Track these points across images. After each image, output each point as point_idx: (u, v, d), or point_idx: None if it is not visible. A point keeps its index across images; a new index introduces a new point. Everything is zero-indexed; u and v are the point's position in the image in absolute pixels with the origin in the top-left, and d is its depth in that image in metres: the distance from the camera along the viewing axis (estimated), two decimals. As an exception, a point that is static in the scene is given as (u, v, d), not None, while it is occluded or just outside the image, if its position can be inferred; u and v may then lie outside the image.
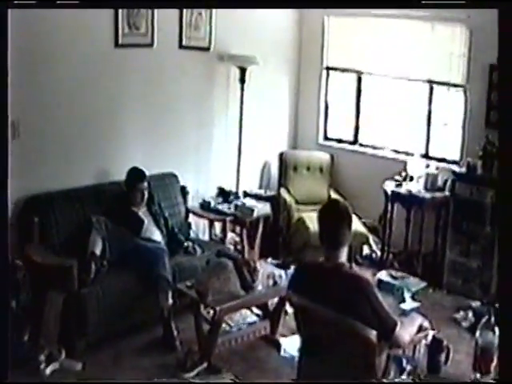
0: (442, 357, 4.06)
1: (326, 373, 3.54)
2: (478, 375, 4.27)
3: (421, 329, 3.80)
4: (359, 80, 7.26)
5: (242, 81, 6.48)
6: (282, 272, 5.14)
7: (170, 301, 4.97)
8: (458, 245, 6.33)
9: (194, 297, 4.75)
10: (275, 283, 5.01)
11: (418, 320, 3.82)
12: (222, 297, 4.68)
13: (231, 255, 5.13)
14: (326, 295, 3.44)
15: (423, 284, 6.33)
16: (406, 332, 3.53)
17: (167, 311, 4.97)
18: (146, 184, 5.41)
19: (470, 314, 5.75)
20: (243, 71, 6.45)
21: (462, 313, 5.83)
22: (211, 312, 4.73)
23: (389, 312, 3.44)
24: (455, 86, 6.58)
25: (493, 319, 4.32)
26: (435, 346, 4.03)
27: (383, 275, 6.45)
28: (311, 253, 6.47)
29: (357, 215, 6.75)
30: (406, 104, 7.03)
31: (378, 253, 6.88)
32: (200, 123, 6.50)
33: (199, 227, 6.48)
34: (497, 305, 5.75)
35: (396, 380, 3.84)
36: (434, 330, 4.01)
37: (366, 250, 6.91)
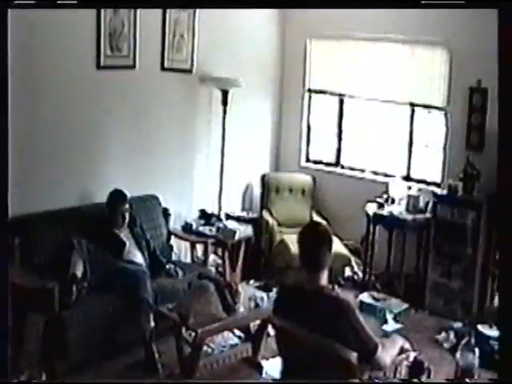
0: (424, 378, 4.05)
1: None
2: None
3: (402, 351, 3.79)
4: (341, 102, 7.31)
5: (225, 103, 6.50)
6: (264, 294, 5.13)
7: (152, 323, 4.93)
8: (439, 266, 6.35)
9: (175, 319, 4.73)
10: (257, 305, 5.00)
11: (399, 342, 3.81)
12: (203, 319, 4.66)
13: (213, 277, 5.12)
14: (307, 318, 3.43)
15: (405, 305, 6.37)
16: (387, 354, 3.52)
17: (149, 334, 4.93)
18: (127, 206, 5.40)
19: (452, 335, 5.76)
20: (225, 94, 6.47)
21: (443, 334, 5.83)
22: (193, 334, 4.71)
23: (370, 334, 3.44)
24: (436, 108, 6.65)
25: (473, 340, 4.32)
26: (416, 368, 4.02)
27: (365, 297, 6.47)
28: (293, 274, 6.45)
29: (338, 237, 6.79)
30: (387, 126, 7.08)
31: (360, 274, 6.89)
32: (182, 145, 6.51)
33: (181, 249, 6.45)
34: (478, 326, 5.82)
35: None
36: (415, 351, 4.00)
37: (347, 272, 6.90)
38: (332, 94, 7.37)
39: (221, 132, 6.60)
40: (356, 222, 6.91)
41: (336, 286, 6.70)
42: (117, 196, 5.39)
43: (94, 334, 4.77)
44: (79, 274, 4.88)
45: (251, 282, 6.54)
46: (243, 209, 7.23)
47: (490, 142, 6.20)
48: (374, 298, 6.41)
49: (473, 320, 6.02)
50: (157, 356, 4.94)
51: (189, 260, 6.39)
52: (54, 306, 4.58)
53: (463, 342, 4.33)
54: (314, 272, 3.51)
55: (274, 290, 6.35)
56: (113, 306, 4.92)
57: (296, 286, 3.68)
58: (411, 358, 3.91)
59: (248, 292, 5.11)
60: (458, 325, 6.01)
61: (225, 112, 6.54)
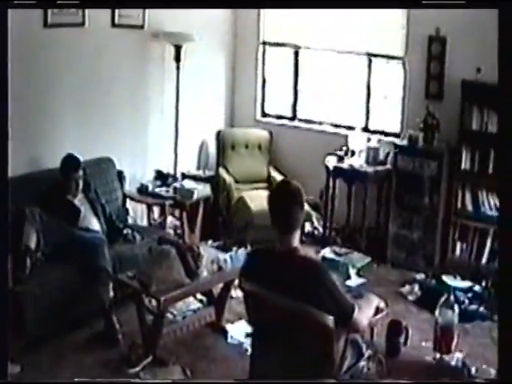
0: (402, 338, 3.91)
1: (281, 361, 3.35)
2: (438, 355, 4.15)
3: (378, 310, 3.65)
4: (296, 54, 7.01)
5: (178, 59, 6.15)
6: (227, 256, 4.90)
7: (111, 293, 4.68)
8: (400, 218, 6.24)
9: (136, 287, 4.46)
10: (220, 268, 4.76)
11: (375, 301, 3.65)
12: (166, 286, 4.39)
13: (173, 241, 4.85)
14: (280, 281, 3.22)
15: (368, 259, 6.25)
16: (363, 316, 3.36)
17: (108, 304, 4.68)
18: (81, 172, 5.05)
19: (416, 288, 5.67)
20: (178, 49, 6.11)
21: (407, 286, 5.74)
22: (155, 302, 4.48)
23: (345, 296, 3.29)
24: (394, 58, 6.43)
25: (452, 297, 4.18)
26: (394, 329, 3.87)
27: (327, 252, 6.32)
28: (254, 233, 6.26)
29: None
30: (344, 78, 6.84)
31: (321, 229, 6.72)
32: (135, 104, 6.16)
33: (137, 213, 6.17)
34: (443, 276, 5.73)
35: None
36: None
37: (307, 227, 6.72)
38: (287, 45, 7.05)
39: (174, 89, 6.26)
40: (315, 177, 6.68)
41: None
42: (69, 162, 5.04)
43: (50, 307, 4.49)
44: (32, 245, 4.58)
45: (209, 242, 6.33)
46: (199, 167, 6.93)
47: (449, 92, 6.07)
48: (336, 253, 6.27)
49: (436, 271, 5.97)
50: (117, 327, 4.70)
51: (145, 223, 6.11)
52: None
53: (442, 299, 4.17)
54: (286, 234, 3.28)
55: (234, 249, 6.20)
56: (69, 277, 4.64)
57: (267, 249, 3.47)
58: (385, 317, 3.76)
59: (211, 255, 4.85)
60: (420, 276, 5.93)
61: (178, 68, 6.19)
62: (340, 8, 6.44)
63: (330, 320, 3.16)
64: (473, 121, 5.79)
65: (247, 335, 4.86)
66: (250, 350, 3.72)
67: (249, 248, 6.20)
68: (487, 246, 5.89)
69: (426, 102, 6.12)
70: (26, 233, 4.60)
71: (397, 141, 6.35)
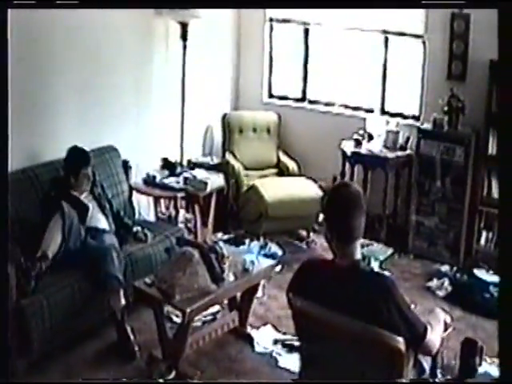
0: (477, 360, 3.30)
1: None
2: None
3: (446, 327, 3.06)
4: (306, 32, 6.28)
5: (184, 38, 5.40)
6: (254, 257, 4.26)
7: (123, 301, 4.01)
8: (422, 206, 5.62)
9: (156, 297, 3.80)
10: (246, 270, 4.13)
11: (442, 317, 3.07)
12: (191, 295, 3.74)
13: (195, 243, 4.15)
14: (342, 299, 2.68)
15: (390, 251, 5.66)
16: (436, 335, 2.83)
17: (120, 313, 4.02)
18: (90, 168, 4.36)
19: (446, 283, 5.09)
20: (185, 27, 5.37)
21: (435, 281, 5.16)
22: (179, 314, 3.84)
23: (417, 315, 2.75)
24: (413, 36, 5.75)
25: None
26: (469, 348, 3.25)
27: (346, 244, 5.70)
28: (267, 224, 5.62)
29: (311, 179, 5.98)
30: (358, 57, 6.12)
31: (336, 219, 6.09)
32: (138, 87, 5.40)
33: (141, 205, 5.42)
34: (475, 271, 5.16)
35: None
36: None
37: (321, 216, 6.08)
38: (296, 22, 6.32)
39: (181, 70, 5.51)
40: (327, 162, 6.06)
41: (311, 233, 5.95)
42: (78, 157, 4.33)
43: (58, 321, 3.82)
44: (51, 253, 3.88)
45: (219, 235, 5.68)
46: (204, 154, 6.22)
47: (473, 72, 5.45)
48: (355, 245, 5.65)
49: (462, 262, 5.41)
50: (132, 337, 4.05)
51: (151, 217, 5.41)
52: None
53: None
54: (347, 243, 2.74)
55: (247, 242, 5.58)
56: (78, 286, 3.96)
57: (325, 262, 2.93)
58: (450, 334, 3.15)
59: (234, 255, 4.19)
60: (446, 268, 5.36)
61: (185, 48, 5.45)
62: (342, 8, 5.80)
63: (401, 343, 2.62)
64: (499, 103, 5.22)
65: (275, 342, 4.29)
66: (298, 371, 3.09)
67: (262, 241, 5.60)
68: (515, 236, 5.32)
69: (448, 84, 5.49)
70: (50, 236, 3.91)
71: (416, 124, 5.73)
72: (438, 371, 2.93)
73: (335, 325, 2.73)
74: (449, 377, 3.06)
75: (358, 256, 2.78)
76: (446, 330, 3.03)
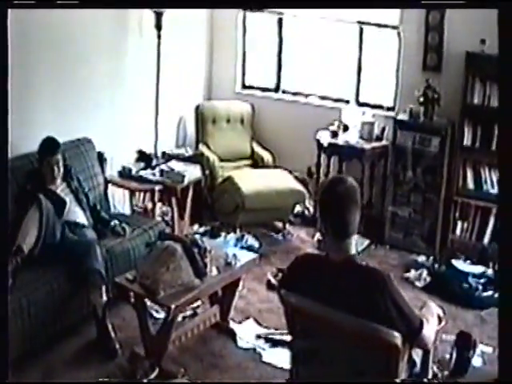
0: (471, 354, 3.23)
1: None
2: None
3: (440, 320, 3.01)
4: (280, 22, 6.17)
5: (159, 27, 5.22)
6: (236, 250, 4.15)
7: (105, 297, 3.86)
8: (397, 197, 5.58)
9: (140, 293, 3.65)
10: (229, 264, 4.01)
11: (434, 310, 3.01)
12: (175, 290, 3.61)
13: (176, 237, 4.02)
14: (337, 295, 2.62)
15: (367, 241, 5.60)
16: (431, 329, 2.78)
17: (101, 310, 3.87)
18: (59, 156, 4.16)
19: (425, 273, 5.05)
20: (159, 16, 5.19)
21: (413, 272, 5.12)
22: (158, 309, 3.73)
23: (412, 309, 2.69)
24: (388, 27, 5.69)
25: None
26: (463, 342, 3.18)
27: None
28: (244, 216, 5.51)
29: (287, 170, 5.88)
30: (334, 47, 6.04)
31: (311, 209, 6.02)
32: (111, 78, 5.21)
33: (115, 198, 5.19)
34: (453, 261, 5.13)
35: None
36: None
37: (297, 208, 5.98)
38: (270, 12, 6.18)
39: (155, 60, 5.33)
40: (302, 153, 5.99)
41: (287, 225, 5.85)
42: (47, 145, 4.14)
43: (38, 319, 3.66)
44: (26, 247, 3.70)
45: (195, 227, 5.54)
46: (177, 145, 6.05)
47: (449, 63, 5.42)
48: (333, 236, 5.57)
49: (438, 253, 5.39)
50: (113, 334, 3.90)
51: (127, 211, 5.23)
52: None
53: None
54: (342, 238, 2.66)
55: (223, 234, 5.45)
56: (58, 282, 3.79)
57: (319, 257, 2.89)
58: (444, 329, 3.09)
59: (216, 249, 4.07)
60: (422, 258, 5.33)
61: (159, 37, 5.26)
62: (338, 8, 5.70)
63: (398, 338, 2.57)
64: (475, 95, 5.18)
65: (258, 337, 4.20)
66: (288, 368, 3.00)
67: (238, 233, 5.48)
68: (490, 226, 5.32)
69: (424, 75, 5.45)
70: (26, 229, 3.74)
71: (391, 114, 5.68)
72: (433, 365, 2.84)
73: (331, 320, 2.67)
74: (446, 372, 2.99)
75: (353, 251, 2.71)
76: (439, 323, 2.98)
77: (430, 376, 2.85)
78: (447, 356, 3.23)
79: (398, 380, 2.68)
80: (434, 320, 2.90)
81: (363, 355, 2.67)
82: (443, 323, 3.04)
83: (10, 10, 2.68)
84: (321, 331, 2.76)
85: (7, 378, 2.59)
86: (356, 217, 2.67)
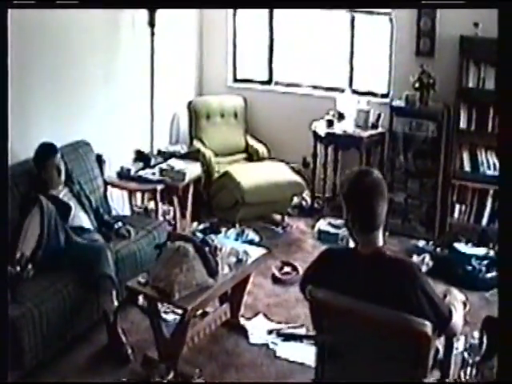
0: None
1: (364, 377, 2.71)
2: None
3: (465, 306, 2.96)
4: (271, 12, 6.05)
5: (152, 24, 5.08)
6: (246, 246, 4.06)
7: (116, 302, 3.75)
8: (394, 182, 5.52)
9: (153, 296, 3.55)
10: (240, 261, 3.92)
11: (458, 296, 2.96)
12: (190, 292, 3.51)
13: (187, 237, 3.90)
14: (367, 288, 2.58)
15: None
16: (458, 317, 2.74)
17: (112, 315, 3.75)
18: (58, 159, 4.04)
19: (427, 258, 5.00)
20: (152, 13, 5.05)
21: (415, 257, 5.06)
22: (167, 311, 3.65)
23: (441, 298, 2.71)
24: (380, 13, 5.60)
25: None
26: (492, 327, 3.11)
27: (322, 225, 5.55)
28: (244, 212, 5.41)
29: (283, 162, 5.79)
30: (326, 36, 5.92)
31: (309, 200, 5.94)
32: (105, 77, 5.06)
33: (114, 199, 5.04)
34: (455, 244, 5.09)
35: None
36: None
37: (294, 199, 5.89)
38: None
39: (149, 58, 5.19)
40: (297, 144, 5.91)
41: (286, 217, 5.76)
42: (44, 149, 4.02)
43: (49, 329, 3.53)
44: (29, 252, 3.57)
45: (194, 224, 5.42)
46: (171, 143, 5.92)
47: (442, 48, 5.35)
48: (333, 225, 5.50)
49: (443, 237, 5.34)
50: (124, 339, 3.80)
51: (127, 212, 5.09)
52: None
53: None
54: (370, 231, 2.62)
55: (223, 230, 5.33)
56: (68, 290, 3.67)
57: (346, 250, 2.91)
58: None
59: (226, 246, 3.97)
60: (422, 243, 5.28)
61: (153, 34, 5.13)
62: (340, 8, 5.64)
63: (429, 327, 2.54)
64: (469, 78, 5.14)
65: (270, 332, 4.12)
66: (315, 364, 2.91)
67: (238, 228, 5.38)
68: (487, 207, 5.30)
69: (417, 60, 5.39)
70: (28, 234, 3.60)
71: (386, 101, 5.61)
72: (465, 352, 2.78)
73: (361, 313, 2.61)
74: (477, 357, 2.93)
75: (381, 243, 2.65)
76: (464, 309, 2.94)
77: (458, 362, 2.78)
78: (476, 341, 3.16)
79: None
80: (460, 307, 2.85)
81: (394, 346, 2.61)
82: (467, 308, 3.00)
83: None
84: (350, 325, 2.69)
85: (7, 378, 2.57)
86: (384, 208, 2.61)
